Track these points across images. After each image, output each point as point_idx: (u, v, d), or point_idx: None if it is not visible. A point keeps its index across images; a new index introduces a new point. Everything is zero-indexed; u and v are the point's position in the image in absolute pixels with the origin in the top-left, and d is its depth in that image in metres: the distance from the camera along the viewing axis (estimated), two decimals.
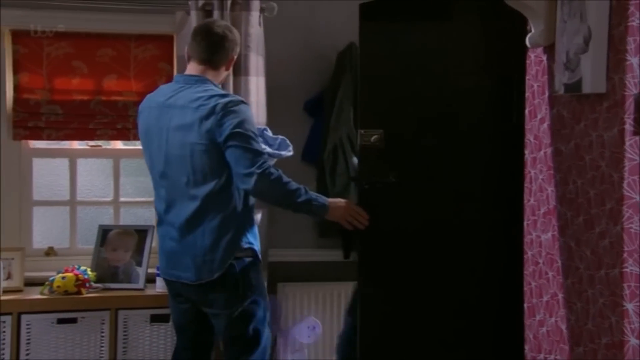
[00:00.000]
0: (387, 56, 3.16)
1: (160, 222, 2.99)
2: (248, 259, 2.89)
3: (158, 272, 3.50)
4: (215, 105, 2.78)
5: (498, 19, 3.04)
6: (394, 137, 3.11)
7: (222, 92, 2.92)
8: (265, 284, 3.14)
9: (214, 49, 2.93)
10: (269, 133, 3.15)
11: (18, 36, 3.66)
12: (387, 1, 3.15)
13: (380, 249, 3.15)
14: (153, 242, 3.68)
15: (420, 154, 3.14)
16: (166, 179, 2.91)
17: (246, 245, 2.89)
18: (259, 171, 2.76)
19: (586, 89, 2.36)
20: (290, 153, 3.11)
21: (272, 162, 2.99)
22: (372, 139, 3.10)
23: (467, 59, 3.14)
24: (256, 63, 3.59)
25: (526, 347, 2.89)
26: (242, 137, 2.78)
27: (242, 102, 2.88)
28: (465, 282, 3.15)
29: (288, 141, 3.13)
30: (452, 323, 3.14)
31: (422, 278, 3.15)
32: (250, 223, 2.94)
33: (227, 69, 3.03)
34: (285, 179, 2.82)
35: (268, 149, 2.99)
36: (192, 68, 2.95)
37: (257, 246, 2.95)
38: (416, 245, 3.16)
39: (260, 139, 2.97)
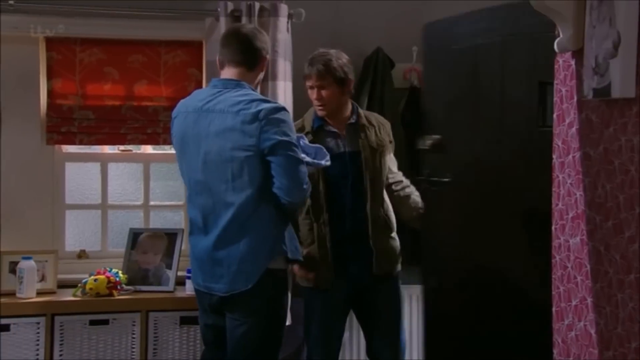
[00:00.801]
0: (446, 68, 3.41)
1: (193, 230, 2.91)
2: (281, 272, 2.84)
3: (189, 275, 3.56)
4: (258, 111, 2.71)
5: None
6: (449, 141, 3.36)
7: (263, 96, 2.87)
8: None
9: (247, 49, 2.87)
10: (306, 141, 3.06)
11: (52, 43, 3.74)
12: (448, 20, 3.39)
13: (439, 245, 3.38)
14: (183, 245, 3.74)
15: (471, 156, 3.28)
16: (203, 186, 2.83)
17: (280, 254, 2.83)
18: (304, 187, 2.77)
19: (615, 93, 2.36)
20: (328, 163, 3.02)
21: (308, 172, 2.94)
22: (428, 143, 3.38)
23: (516, 69, 3.23)
24: (284, 68, 3.64)
25: (554, 351, 2.89)
26: (288, 146, 2.73)
27: (285, 108, 2.81)
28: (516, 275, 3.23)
29: (325, 150, 3.05)
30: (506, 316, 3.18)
31: (477, 270, 3.22)
32: (285, 229, 2.86)
33: (261, 70, 2.95)
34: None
35: (307, 158, 2.92)
36: (228, 72, 2.88)
37: (293, 252, 2.88)
38: (469, 240, 3.28)
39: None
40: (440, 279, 3.47)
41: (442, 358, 3.56)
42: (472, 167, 3.33)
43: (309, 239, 3.18)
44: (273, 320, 2.87)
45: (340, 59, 3.19)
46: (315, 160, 2.97)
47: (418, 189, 3.36)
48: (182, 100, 2.98)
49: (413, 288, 3.85)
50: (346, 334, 3.66)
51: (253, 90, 2.87)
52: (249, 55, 2.88)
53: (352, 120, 3.25)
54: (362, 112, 3.31)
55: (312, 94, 3.19)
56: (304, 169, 2.80)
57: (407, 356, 3.88)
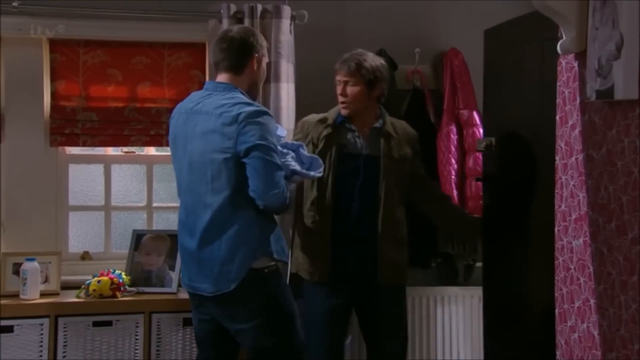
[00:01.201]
0: (504, 72, 3.48)
1: (180, 230, 2.96)
2: (267, 269, 2.85)
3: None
4: (238, 114, 2.75)
5: None
6: (505, 142, 3.45)
7: (248, 100, 2.87)
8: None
9: (232, 54, 2.89)
10: (305, 151, 3.06)
11: (55, 44, 3.74)
12: (507, 26, 3.46)
13: (500, 243, 3.51)
14: None
15: (525, 156, 3.32)
16: (187, 186, 2.89)
17: (265, 255, 2.85)
18: (277, 191, 2.77)
19: (618, 95, 2.36)
20: (320, 174, 3.04)
21: (296, 181, 2.98)
22: (483, 145, 3.49)
23: None
24: (287, 70, 3.64)
25: (557, 353, 2.89)
26: (264, 149, 2.75)
27: (266, 112, 2.84)
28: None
29: (320, 161, 3.06)
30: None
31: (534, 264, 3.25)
32: (269, 230, 2.89)
33: (251, 72, 2.93)
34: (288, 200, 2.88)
35: (297, 167, 2.94)
36: (220, 77, 2.95)
37: (279, 252, 2.91)
38: (524, 239, 3.32)
39: (293, 155, 2.95)
40: (500, 277, 3.57)
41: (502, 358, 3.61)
42: (526, 168, 3.36)
43: (312, 228, 3.19)
44: (275, 321, 2.87)
45: (375, 62, 3.21)
46: (304, 171, 2.97)
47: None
48: (180, 103, 3.03)
49: (475, 290, 3.96)
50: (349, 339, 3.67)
51: (242, 94, 2.89)
52: (235, 60, 2.91)
53: (377, 125, 3.25)
54: (389, 119, 3.30)
55: (338, 89, 3.21)
56: (280, 173, 2.81)
57: (467, 356, 3.97)
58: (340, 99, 3.20)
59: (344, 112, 3.21)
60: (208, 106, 2.84)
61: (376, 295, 3.21)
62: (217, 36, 3.05)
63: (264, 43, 3.01)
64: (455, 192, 3.87)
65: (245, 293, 2.81)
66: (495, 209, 3.64)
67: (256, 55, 2.94)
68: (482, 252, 3.79)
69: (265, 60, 3.01)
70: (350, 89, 3.18)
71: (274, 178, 2.78)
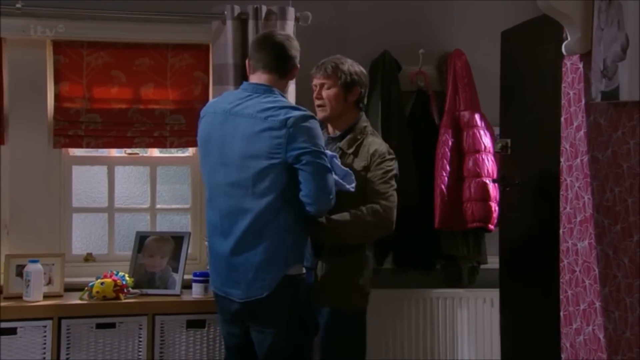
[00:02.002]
0: (520, 75, 3.53)
1: (212, 233, 2.91)
2: (300, 276, 2.84)
3: (195, 278, 3.56)
4: (287, 118, 2.71)
5: None
6: (518, 145, 3.49)
7: (293, 104, 2.85)
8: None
9: (280, 57, 2.87)
10: (338, 162, 3.00)
11: (59, 46, 3.74)
12: (523, 27, 3.49)
13: (516, 246, 3.57)
14: (189, 249, 3.74)
15: (537, 159, 3.37)
16: (222, 189, 2.82)
17: (298, 262, 2.83)
18: (331, 196, 2.77)
19: (623, 96, 2.35)
20: (353, 190, 2.96)
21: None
22: (498, 147, 3.51)
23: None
24: None
25: (563, 356, 2.87)
26: (316, 154, 2.73)
27: (314, 117, 2.81)
28: None
29: (353, 176, 2.99)
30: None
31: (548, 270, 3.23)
32: (304, 237, 2.88)
33: (292, 78, 2.97)
34: None
35: (336, 177, 2.90)
36: (259, 78, 2.88)
37: (307, 259, 2.90)
38: (539, 242, 3.36)
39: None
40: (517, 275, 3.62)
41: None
42: (541, 170, 3.39)
43: None
44: (298, 329, 2.85)
45: (354, 67, 3.15)
46: (342, 182, 2.93)
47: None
48: (211, 101, 3.01)
49: (479, 292, 4.00)
50: None
51: (283, 96, 2.86)
52: (282, 63, 2.88)
53: (334, 135, 3.16)
54: (363, 129, 3.13)
55: (314, 93, 3.16)
56: (331, 177, 2.80)
57: (487, 356, 3.98)
58: (316, 102, 3.14)
59: (319, 115, 3.11)
60: (250, 108, 2.78)
61: (319, 312, 3.15)
62: (261, 37, 3.01)
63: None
64: (445, 194, 3.85)
65: (276, 300, 2.77)
66: (512, 211, 3.65)
67: (298, 64, 2.96)
68: (499, 253, 3.80)
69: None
70: (325, 92, 3.11)
71: (327, 183, 2.77)
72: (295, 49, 2.93)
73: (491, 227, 3.89)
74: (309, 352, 2.93)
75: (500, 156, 3.77)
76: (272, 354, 2.84)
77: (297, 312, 2.83)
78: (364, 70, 3.20)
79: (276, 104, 2.77)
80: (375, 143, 3.13)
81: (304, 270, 2.90)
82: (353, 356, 3.14)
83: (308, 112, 2.81)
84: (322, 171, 2.75)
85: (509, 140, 3.63)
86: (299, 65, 2.96)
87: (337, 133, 3.17)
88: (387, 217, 3.06)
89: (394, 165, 3.14)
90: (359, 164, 3.08)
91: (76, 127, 3.76)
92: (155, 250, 3.74)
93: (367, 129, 3.18)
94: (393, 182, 3.12)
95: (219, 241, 2.86)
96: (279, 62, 2.87)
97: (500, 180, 3.76)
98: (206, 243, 3.30)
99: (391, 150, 3.18)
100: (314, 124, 2.78)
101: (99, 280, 3.52)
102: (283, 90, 2.92)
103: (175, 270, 3.68)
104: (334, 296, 3.04)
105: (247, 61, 2.99)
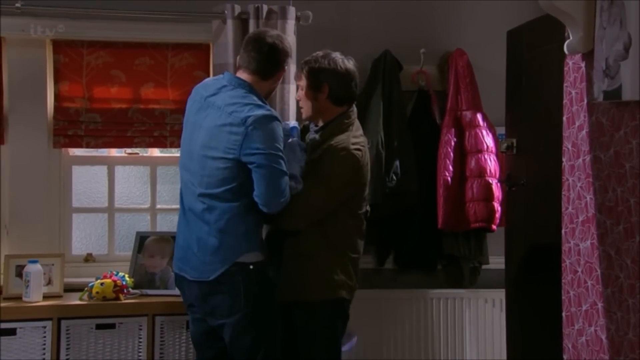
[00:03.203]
0: (526, 75, 3.54)
1: (181, 212, 3.02)
2: (252, 266, 2.84)
3: None
4: (247, 117, 2.75)
5: None
6: (524, 144, 3.51)
7: (260, 102, 2.84)
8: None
9: (264, 60, 2.89)
10: (297, 136, 3.04)
11: (59, 46, 3.73)
12: (529, 27, 3.50)
13: (522, 246, 3.60)
14: None
15: (542, 159, 3.38)
16: (186, 172, 2.95)
17: (251, 252, 2.85)
18: (282, 199, 2.79)
19: (626, 96, 2.34)
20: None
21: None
22: (504, 147, 3.54)
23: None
24: (291, 71, 3.61)
25: (565, 357, 2.86)
26: (272, 157, 2.75)
27: (276, 118, 2.83)
28: None
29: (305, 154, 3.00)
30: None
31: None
32: (257, 227, 2.91)
33: (276, 81, 2.99)
34: None
35: (295, 172, 2.92)
36: (242, 75, 2.93)
37: (263, 254, 2.88)
38: (545, 242, 3.36)
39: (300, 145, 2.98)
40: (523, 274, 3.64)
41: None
42: (546, 170, 3.38)
43: None
44: (258, 320, 2.85)
45: (324, 62, 3.01)
46: (299, 177, 2.93)
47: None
48: (197, 85, 3.05)
49: (481, 292, 3.99)
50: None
51: (257, 96, 2.86)
52: (265, 66, 2.90)
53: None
54: (340, 125, 3.02)
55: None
56: (285, 180, 2.82)
57: (489, 357, 3.97)
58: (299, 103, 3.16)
59: (302, 116, 3.13)
60: (221, 100, 2.85)
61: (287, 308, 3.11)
62: (250, 36, 3.02)
63: (291, 53, 3.02)
64: (447, 194, 3.83)
65: (225, 287, 2.82)
66: (517, 211, 3.65)
67: (285, 67, 2.98)
68: (505, 253, 3.79)
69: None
70: (299, 93, 3.10)
71: (280, 186, 2.79)
72: (283, 52, 2.92)
73: (494, 227, 3.87)
74: (274, 345, 2.90)
75: (506, 156, 3.76)
76: (233, 346, 2.88)
77: (252, 302, 2.83)
78: (342, 65, 3.02)
79: (244, 99, 2.81)
80: (341, 142, 2.97)
81: (261, 259, 2.87)
82: (324, 347, 3.02)
83: (272, 113, 2.81)
84: (274, 174, 2.77)
85: (514, 140, 3.64)
86: (286, 68, 3.00)
87: (321, 124, 3.11)
88: (290, 209, 2.90)
89: (340, 170, 2.95)
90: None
91: (76, 127, 3.75)
92: (155, 250, 3.73)
93: (345, 126, 3.03)
94: (325, 186, 2.94)
95: (182, 221, 3.00)
96: (261, 65, 2.90)
97: (505, 180, 3.75)
98: None
99: (355, 158, 2.96)
100: (275, 126, 2.78)
101: (98, 281, 3.51)
102: (265, 91, 2.93)
103: None
104: (294, 288, 2.98)
105: (237, 58, 3.03)
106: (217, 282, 2.83)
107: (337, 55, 3.06)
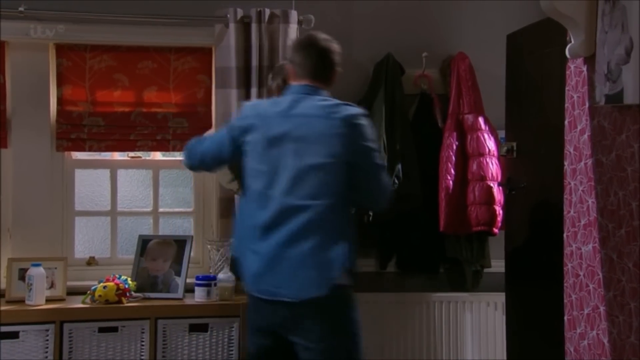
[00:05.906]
0: (526, 78, 3.56)
1: (251, 234, 2.74)
2: (349, 285, 2.69)
3: (198, 282, 3.54)
4: (346, 116, 2.69)
5: None
6: (524, 148, 3.53)
7: (345, 102, 2.79)
8: None
9: (326, 66, 2.82)
10: None
11: (62, 49, 3.74)
12: (529, 30, 3.52)
13: (522, 249, 3.62)
14: (192, 252, 3.73)
15: (543, 162, 3.40)
16: (277, 189, 2.70)
17: (349, 268, 2.69)
18: (389, 193, 2.82)
19: (628, 99, 2.34)
20: None
21: None
22: (504, 150, 3.61)
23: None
24: None
25: None
26: (375, 153, 2.75)
27: (367, 114, 2.82)
28: None
29: None
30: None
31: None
32: (355, 242, 2.75)
33: (333, 83, 2.89)
34: None
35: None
36: (304, 82, 2.81)
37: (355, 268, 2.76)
38: (544, 245, 3.37)
39: None
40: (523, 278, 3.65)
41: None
42: (546, 174, 3.39)
43: None
44: (349, 344, 2.71)
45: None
46: None
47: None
48: (252, 103, 3.00)
49: (483, 295, 3.99)
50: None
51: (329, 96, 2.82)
52: (329, 73, 2.84)
53: None
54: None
55: None
56: (386, 175, 2.84)
57: (495, 356, 3.96)
58: None
59: None
60: (307, 109, 2.73)
61: None
62: (306, 42, 2.88)
63: None
64: (449, 197, 3.83)
65: (324, 308, 2.63)
66: (517, 214, 3.66)
67: (339, 70, 2.91)
68: (505, 256, 3.80)
69: None
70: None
71: (386, 180, 2.82)
72: (337, 53, 2.87)
73: (495, 230, 3.87)
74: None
75: (506, 159, 3.76)
76: None
77: (348, 326, 2.69)
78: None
79: (330, 101, 2.76)
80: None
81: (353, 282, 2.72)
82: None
83: (362, 109, 2.80)
84: (383, 170, 2.81)
85: (514, 144, 3.64)
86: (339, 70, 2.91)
87: None
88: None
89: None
90: None
91: (79, 131, 3.76)
92: (157, 253, 3.74)
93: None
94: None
95: (260, 242, 2.70)
96: (325, 72, 2.82)
97: (506, 184, 3.75)
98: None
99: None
100: (369, 121, 2.79)
101: (101, 284, 3.51)
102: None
103: (178, 274, 3.67)
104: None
105: (287, 64, 2.94)
106: (316, 302, 2.62)
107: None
